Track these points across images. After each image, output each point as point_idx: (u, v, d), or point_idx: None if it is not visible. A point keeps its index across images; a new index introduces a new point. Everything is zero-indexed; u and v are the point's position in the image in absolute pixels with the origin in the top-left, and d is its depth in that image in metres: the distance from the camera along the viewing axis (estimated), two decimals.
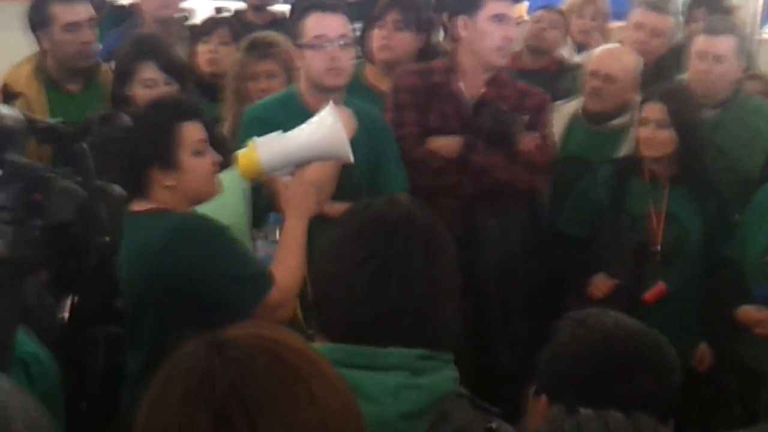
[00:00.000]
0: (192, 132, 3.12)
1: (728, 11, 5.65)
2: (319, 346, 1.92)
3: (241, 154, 3.07)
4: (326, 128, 3.04)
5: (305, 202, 3.17)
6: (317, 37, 3.76)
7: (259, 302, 3.02)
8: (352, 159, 3.12)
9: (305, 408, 1.36)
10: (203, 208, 3.27)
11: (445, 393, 1.91)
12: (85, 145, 2.20)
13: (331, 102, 3.02)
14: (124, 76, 4.31)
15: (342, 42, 3.77)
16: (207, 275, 3.00)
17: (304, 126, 3.15)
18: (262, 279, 3.05)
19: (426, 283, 1.94)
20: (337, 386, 1.43)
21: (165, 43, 4.52)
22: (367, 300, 1.92)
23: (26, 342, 2.32)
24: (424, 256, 1.96)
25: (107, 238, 2.06)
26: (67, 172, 2.06)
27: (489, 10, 4.19)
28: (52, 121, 2.24)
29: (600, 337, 2.13)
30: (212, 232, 3.07)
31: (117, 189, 2.18)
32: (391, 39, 4.72)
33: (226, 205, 3.31)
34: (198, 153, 3.12)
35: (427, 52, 4.80)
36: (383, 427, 1.81)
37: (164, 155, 3.09)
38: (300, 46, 3.81)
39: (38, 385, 2.25)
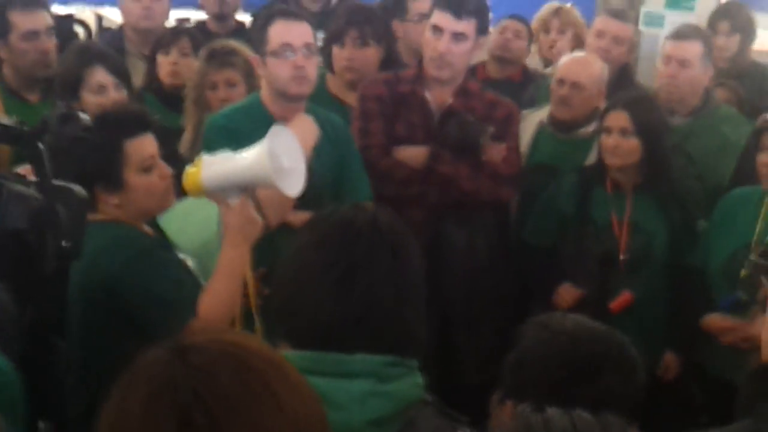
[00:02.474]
0: (139, 148, 3.05)
1: (752, 22, 5.65)
2: (284, 353, 1.89)
3: (188, 170, 2.92)
4: (255, 157, 2.84)
5: (245, 228, 2.91)
6: (282, 45, 3.72)
7: (178, 329, 2.85)
8: (287, 191, 2.84)
9: (270, 413, 1.35)
10: (175, 223, 3.23)
11: (412, 400, 1.89)
12: (41, 145, 2.14)
13: (274, 127, 2.81)
14: (71, 84, 4.24)
15: (306, 50, 3.74)
16: (131, 293, 2.95)
17: (246, 150, 2.88)
18: (188, 306, 2.92)
19: (391, 289, 1.93)
20: (303, 391, 1.42)
21: (109, 49, 4.49)
22: (332, 306, 1.90)
23: None
24: (389, 261, 1.95)
25: (66, 243, 2.01)
26: (20, 176, 2.00)
27: (432, 19, 4.21)
28: (7, 121, 2.18)
29: (565, 339, 2.13)
30: (146, 250, 3.02)
31: (78, 189, 2.13)
32: (353, 59, 4.65)
33: (199, 220, 3.26)
34: (145, 169, 3.06)
35: (389, 60, 4.77)
36: None
37: (108, 175, 3.03)
38: (264, 55, 3.77)
39: (2, 395, 2.20)
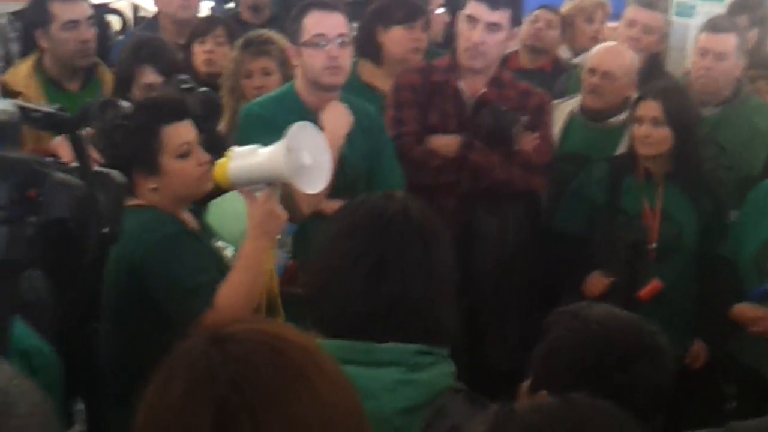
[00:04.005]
0: (176, 134, 3.11)
1: None
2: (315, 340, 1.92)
3: (218, 162, 2.93)
4: (272, 154, 2.83)
5: (267, 222, 2.88)
6: (317, 35, 3.75)
7: (195, 317, 2.86)
8: (307, 188, 2.80)
9: (307, 403, 1.36)
10: (219, 215, 3.26)
11: (442, 388, 1.91)
12: (83, 132, 2.17)
13: (295, 125, 2.77)
14: (125, 80, 4.33)
15: (341, 41, 3.77)
16: (152, 277, 3.00)
17: (273, 145, 2.86)
18: (205, 296, 2.92)
19: (422, 278, 1.94)
20: (339, 381, 1.43)
21: (164, 46, 4.53)
22: (364, 295, 1.92)
23: (28, 335, 2.32)
24: (420, 250, 1.96)
25: (107, 229, 2.04)
26: (62, 163, 2.03)
27: (466, 9, 4.23)
28: (48, 108, 2.21)
29: (596, 328, 2.13)
30: (171, 236, 3.05)
31: (117, 175, 2.16)
32: (422, 40, 4.77)
33: (242, 209, 3.28)
34: (182, 155, 3.11)
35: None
36: (380, 423, 1.81)
37: (145, 160, 3.09)
38: (299, 44, 3.81)
39: (40, 378, 2.24)
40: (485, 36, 4.17)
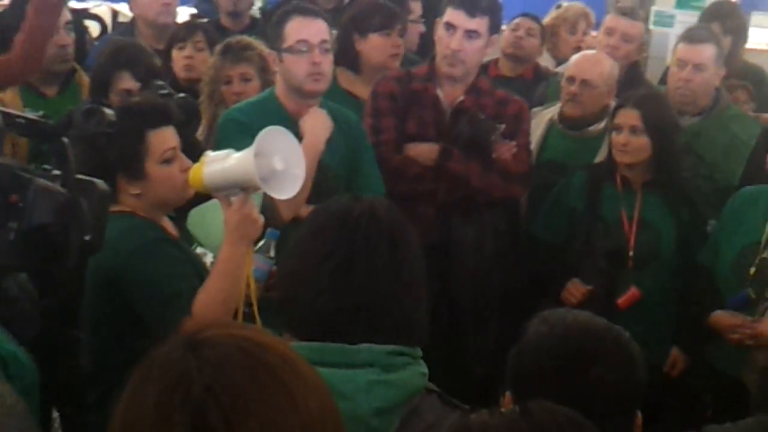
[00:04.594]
0: (161, 140, 3.10)
1: (745, 26, 5.66)
2: (289, 344, 1.92)
3: (194, 167, 2.91)
4: (242, 159, 2.71)
5: (243, 227, 2.84)
6: (299, 41, 3.74)
7: (173, 324, 2.73)
8: (278, 194, 2.77)
9: (283, 408, 1.35)
10: (201, 223, 3.25)
11: (416, 389, 1.92)
12: (65, 140, 2.16)
13: (267, 129, 2.73)
14: (102, 86, 4.31)
15: (323, 47, 3.77)
16: (130, 284, 2.98)
17: (245, 150, 2.80)
18: (184, 302, 2.90)
19: (390, 277, 1.95)
20: (316, 385, 1.42)
21: (142, 52, 4.51)
22: (331, 294, 1.93)
23: (4, 341, 2.31)
24: (387, 249, 1.97)
25: (89, 237, 2.03)
26: (45, 170, 2.03)
27: (444, 17, 4.24)
28: (31, 115, 2.21)
29: (559, 332, 2.13)
30: (150, 243, 3.04)
31: (100, 183, 2.15)
32: (400, 47, 4.80)
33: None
34: (167, 161, 3.10)
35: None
36: (355, 424, 1.81)
37: (130, 165, 3.07)
38: (280, 51, 3.80)
39: (15, 384, 2.23)
40: (464, 43, 4.18)
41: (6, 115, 2.04)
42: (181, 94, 4.23)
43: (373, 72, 4.68)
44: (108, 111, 2.77)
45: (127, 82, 4.26)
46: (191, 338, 1.40)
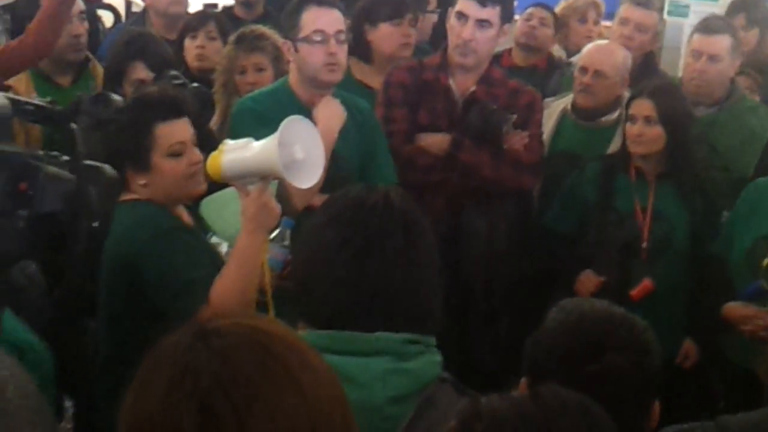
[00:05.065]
0: (170, 133, 3.08)
1: None
2: (304, 333, 1.92)
3: (211, 155, 2.90)
4: (264, 148, 2.71)
5: (261, 216, 2.84)
6: (316, 31, 3.73)
7: (189, 313, 2.78)
8: (300, 183, 2.77)
9: (291, 398, 1.35)
10: (217, 212, 3.25)
11: (430, 377, 1.92)
12: (74, 126, 2.16)
13: (289, 118, 2.72)
14: (116, 76, 4.32)
15: (339, 37, 3.76)
16: (147, 272, 2.98)
17: (266, 139, 2.81)
18: (201, 291, 2.89)
19: (405, 266, 1.95)
20: (324, 376, 1.42)
21: (155, 42, 4.52)
22: (346, 283, 1.93)
23: (20, 330, 2.31)
24: (402, 238, 1.96)
25: (97, 224, 2.03)
26: (53, 156, 2.02)
27: (456, 6, 4.22)
28: (40, 101, 2.21)
29: (574, 319, 2.16)
30: (166, 231, 3.04)
31: (108, 169, 2.14)
32: (410, 36, 4.76)
33: (238, 206, 3.26)
34: (174, 155, 3.08)
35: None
36: (371, 412, 1.82)
37: (136, 156, 3.06)
38: (295, 40, 3.79)
39: (31, 374, 2.24)
40: (475, 33, 4.16)
41: (14, 101, 2.04)
42: (195, 84, 4.23)
43: (385, 62, 4.67)
44: (116, 97, 2.77)
45: (140, 72, 4.27)
46: (200, 328, 1.40)
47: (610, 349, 2.09)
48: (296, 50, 3.78)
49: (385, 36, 4.75)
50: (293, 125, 2.74)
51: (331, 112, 3.76)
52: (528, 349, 2.18)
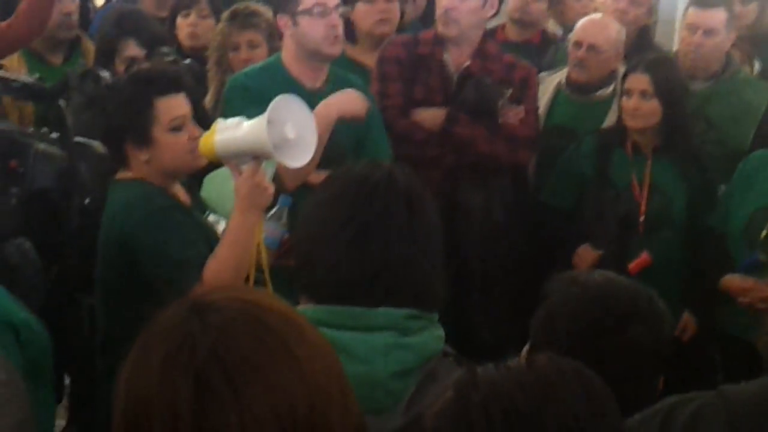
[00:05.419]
0: (169, 107, 3.07)
1: None
2: (305, 308, 1.91)
3: (204, 135, 2.90)
4: (253, 127, 2.71)
5: (254, 195, 2.84)
6: (317, 4, 3.71)
7: (183, 291, 2.67)
8: (290, 162, 2.76)
9: (287, 372, 1.35)
10: (216, 191, 3.23)
11: (433, 352, 1.92)
12: (62, 103, 2.15)
13: (280, 97, 2.72)
14: (107, 53, 4.30)
15: (338, 11, 3.74)
16: (141, 251, 2.97)
17: (256, 118, 2.79)
18: (194, 269, 2.90)
19: (408, 243, 1.94)
20: (321, 350, 1.42)
21: (147, 19, 4.50)
22: (349, 260, 1.92)
23: (17, 309, 2.31)
24: (405, 215, 1.95)
25: (89, 200, 2.02)
26: (44, 134, 2.01)
27: None
28: (28, 79, 2.19)
29: (595, 293, 2.16)
30: (161, 210, 3.03)
31: (98, 146, 2.13)
32: (388, 11, 4.69)
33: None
34: (175, 129, 3.07)
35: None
36: (373, 387, 1.82)
37: (137, 131, 3.05)
38: (294, 14, 3.74)
39: (28, 351, 2.24)
40: (455, 2, 4.14)
41: (2, 79, 2.02)
42: (187, 61, 4.20)
43: (368, 39, 4.64)
44: (105, 74, 2.75)
45: (132, 49, 4.25)
46: (196, 302, 1.39)
47: (634, 321, 2.10)
48: (295, 24, 3.75)
49: (360, 14, 4.69)
50: (284, 104, 2.72)
51: (351, 99, 3.74)
52: (541, 324, 2.16)
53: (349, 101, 3.76)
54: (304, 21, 3.73)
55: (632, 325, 2.10)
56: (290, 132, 2.73)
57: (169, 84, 3.12)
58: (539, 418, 1.39)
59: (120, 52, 4.27)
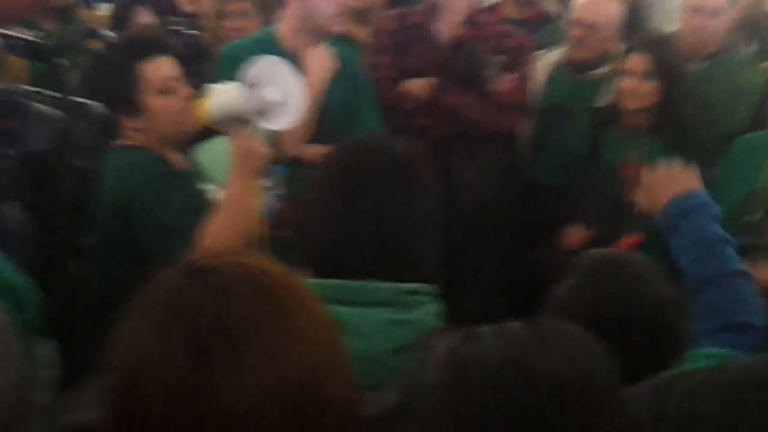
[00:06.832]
0: (155, 71, 3.03)
1: None
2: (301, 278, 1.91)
3: (200, 99, 2.91)
4: (232, 91, 2.76)
5: (247, 159, 2.83)
6: None
7: (178, 256, 2.76)
8: (270, 125, 2.80)
9: (287, 337, 1.34)
10: (212, 158, 3.23)
11: (432, 327, 1.89)
12: (64, 60, 2.13)
13: (256, 59, 2.74)
14: (121, 21, 4.28)
15: None
16: (137, 216, 2.95)
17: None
18: (191, 236, 2.86)
19: (401, 209, 1.93)
20: (320, 316, 1.41)
21: None
22: (342, 230, 1.91)
23: (12, 271, 2.30)
24: (397, 180, 1.94)
25: (86, 163, 2.00)
26: (40, 93, 1.99)
27: None
28: (30, 36, 2.17)
29: (630, 277, 2.22)
30: (157, 176, 3.01)
31: (98, 107, 2.11)
32: None
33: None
34: (164, 92, 3.04)
35: None
36: (372, 363, 1.80)
37: (126, 99, 3.01)
38: None
39: (24, 315, 2.23)
40: None
41: (4, 36, 2.00)
42: (193, 31, 4.19)
43: (353, 13, 4.61)
44: (108, 33, 2.73)
45: (145, 17, 4.23)
46: (196, 266, 1.38)
47: (667, 302, 2.14)
48: None
49: None
50: (263, 67, 2.74)
51: (322, 61, 3.73)
52: (562, 306, 2.16)
53: (329, 66, 3.74)
54: None
55: (664, 306, 2.14)
56: (271, 94, 2.74)
57: (151, 47, 3.08)
58: (535, 371, 1.38)
59: (132, 20, 4.25)
